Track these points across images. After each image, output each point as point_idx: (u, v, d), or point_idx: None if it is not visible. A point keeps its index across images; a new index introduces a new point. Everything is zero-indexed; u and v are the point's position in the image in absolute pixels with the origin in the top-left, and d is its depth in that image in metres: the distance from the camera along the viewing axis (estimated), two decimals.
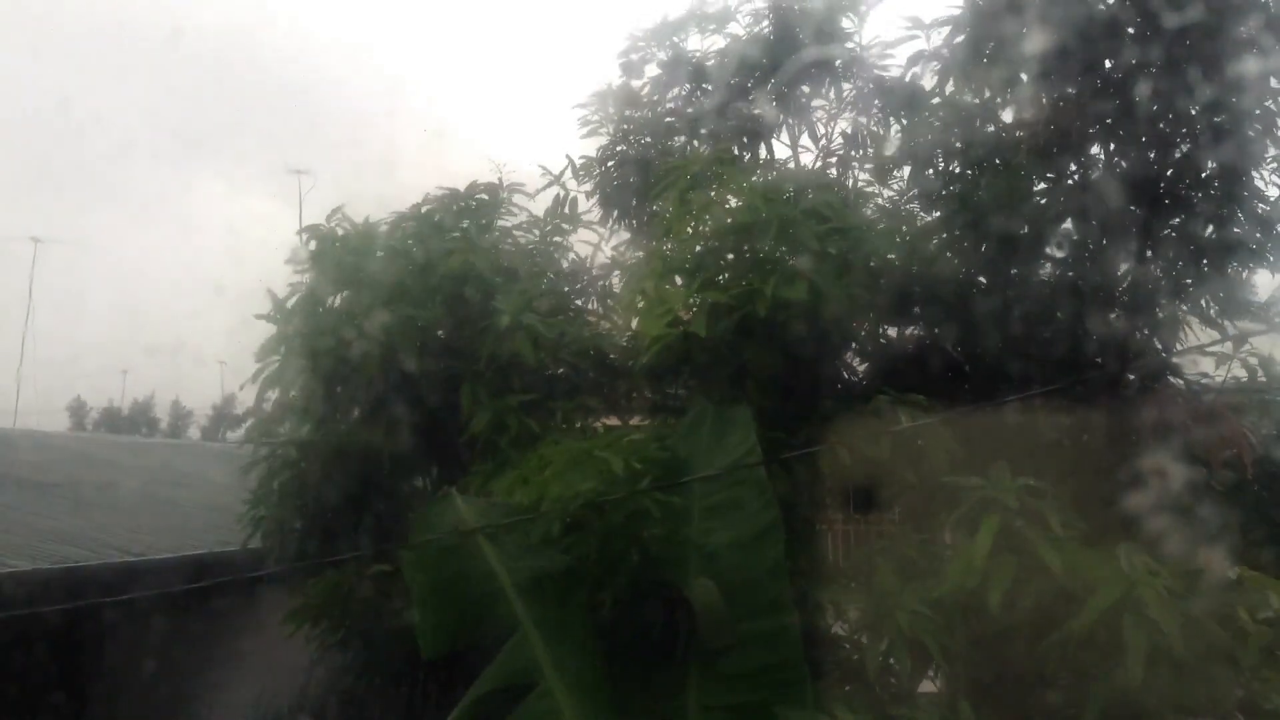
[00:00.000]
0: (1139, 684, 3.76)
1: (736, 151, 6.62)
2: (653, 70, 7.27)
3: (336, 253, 5.96)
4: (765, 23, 6.87)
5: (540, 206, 6.79)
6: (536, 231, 6.68)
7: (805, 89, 6.91)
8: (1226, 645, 3.95)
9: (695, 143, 6.88)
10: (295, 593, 6.14)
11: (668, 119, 7.16)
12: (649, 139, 7.07)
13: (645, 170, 6.75)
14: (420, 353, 5.58)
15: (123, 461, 12.34)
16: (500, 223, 6.49)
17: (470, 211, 6.43)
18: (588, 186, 7.16)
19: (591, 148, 7.19)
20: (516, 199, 6.67)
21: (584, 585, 4.41)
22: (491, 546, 4.38)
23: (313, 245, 6.13)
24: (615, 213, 7.20)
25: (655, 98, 7.26)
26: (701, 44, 7.15)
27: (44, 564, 6.02)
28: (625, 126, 7.14)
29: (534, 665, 4.08)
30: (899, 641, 4.05)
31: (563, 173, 6.83)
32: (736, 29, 7.02)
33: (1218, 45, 4.89)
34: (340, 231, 6.09)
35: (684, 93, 7.22)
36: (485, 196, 6.52)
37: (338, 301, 5.99)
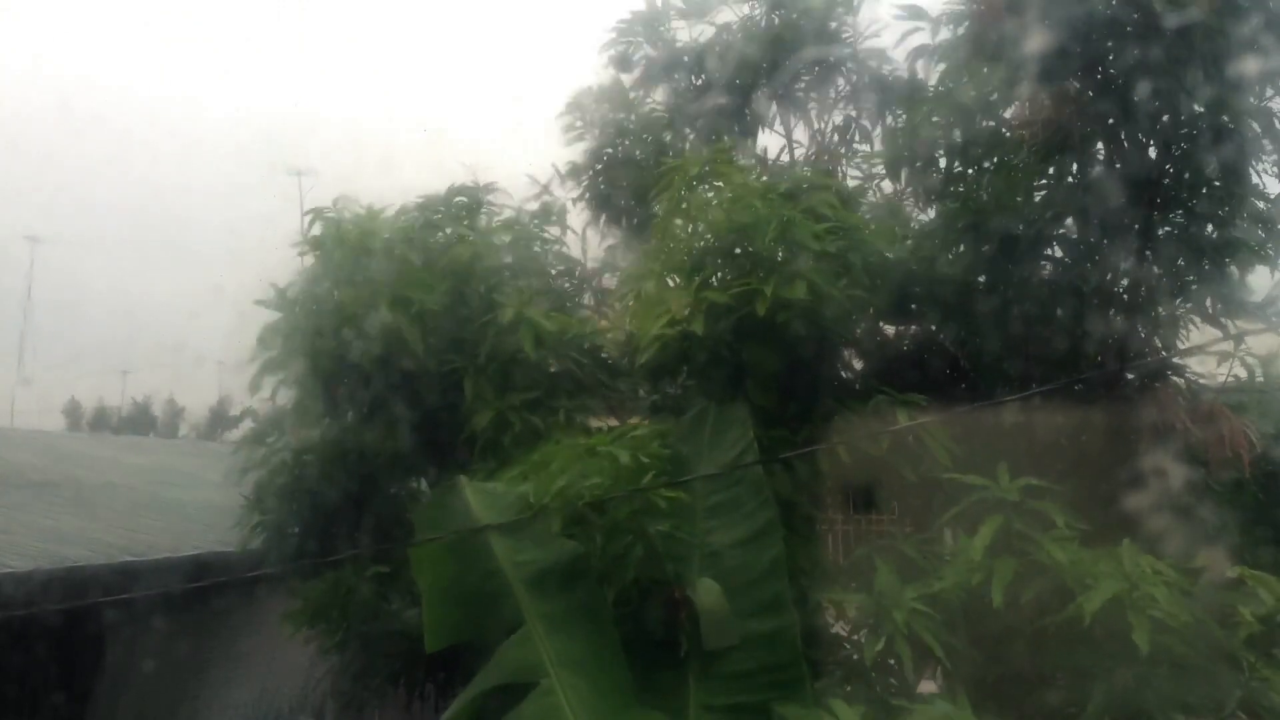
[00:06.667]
0: (1139, 680, 3.77)
1: (727, 144, 6.59)
2: (639, 63, 7.22)
3: (340, 237, 5.94)
4: (757, 11, 6.83)
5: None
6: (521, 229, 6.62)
7: (799, 82, 6.88)
8: (1226, 645, 3.96)
9: (686, 134, 6.82)
10: (294, 593, 6.14)
11: (654, 113, 7.08)
12: (632, 140, 7.00)
13: (634, 171, 6.72)
14: (421, 346, 5.55)
15: (123, 461, 12.33)
16: (482, 224, 6.44)
17: (451, 218, 6.35)
18: (575, 193, 7.12)
19: (578, 153, 7.14)
20: (504, 204, 6.61)
21: (587, 581, 4.40)
22: (498, 538, 4.37)
23: (317, 228, 6.11)
24: (604, 216, 7.15)
25: (641, 92, 7.20)
26: (690, 34, 7.10)
27: (44, 564, 6.01)
28: (610, 131, 7.07)
29: (537, 661, 4.07)
30: (898, 640, 4.05)
31: (549, 183, 6.83)
32: (727, 17, 6.98)
33: (1218, 45, 4.89)
34: (347, 214, 6.06)
35: (672, 85, 7.16)
36: (464, 199, 6.47)
37: (339, 290, 5.96)
